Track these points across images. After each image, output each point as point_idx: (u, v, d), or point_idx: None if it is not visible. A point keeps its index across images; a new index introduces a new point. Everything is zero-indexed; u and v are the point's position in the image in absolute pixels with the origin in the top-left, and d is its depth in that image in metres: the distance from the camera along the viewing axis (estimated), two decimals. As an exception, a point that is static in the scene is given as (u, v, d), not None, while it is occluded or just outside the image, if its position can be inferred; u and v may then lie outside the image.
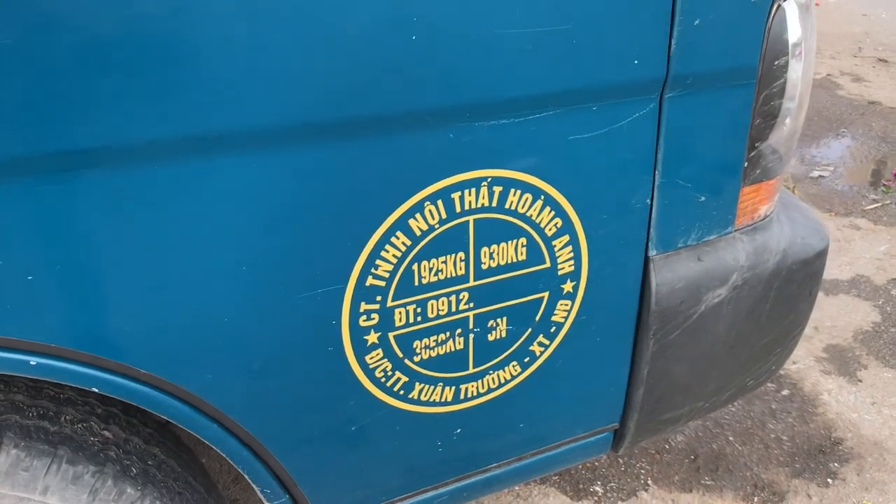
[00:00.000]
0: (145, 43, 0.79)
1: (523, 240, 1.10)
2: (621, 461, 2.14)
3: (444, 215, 1.03)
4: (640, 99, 1.08)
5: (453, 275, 1.08)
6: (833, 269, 3.05)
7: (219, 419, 1.03)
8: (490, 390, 1.22)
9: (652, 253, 1.21)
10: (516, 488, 2.03)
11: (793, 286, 1.38)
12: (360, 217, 0.98)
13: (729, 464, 2.12)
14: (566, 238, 1.13)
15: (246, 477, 1.11)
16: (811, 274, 1.41)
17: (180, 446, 1.22)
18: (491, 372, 1.20)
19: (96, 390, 0.93)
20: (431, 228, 1.03)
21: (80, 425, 1.05)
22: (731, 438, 2.22)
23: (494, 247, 1.09)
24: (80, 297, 0.88)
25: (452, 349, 1.14)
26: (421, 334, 1.10)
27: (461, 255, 1.07)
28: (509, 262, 1.11)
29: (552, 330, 1.21)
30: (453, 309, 1.11)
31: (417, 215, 1.01)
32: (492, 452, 1.31)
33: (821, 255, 1.41)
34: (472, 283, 1.10)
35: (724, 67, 1.12)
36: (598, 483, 2.06)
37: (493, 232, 1.08)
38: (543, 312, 1.18)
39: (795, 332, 1.49)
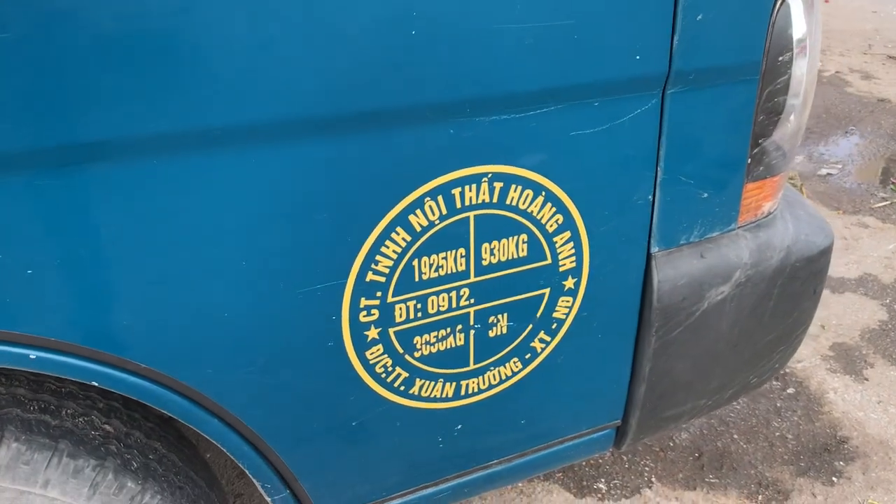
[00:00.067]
0: (145, 38, 0.79)
1: (524, 236, 1.10)
2: (625, 458, 2.13)
3: (444, 211, 1.03)
4: (643, 95, 1.08)
5: (454, 271, 1.08)
6: (840, 268, 3.04)
7: (219, 414, 1.03)
8: (491, 387, 1.22)
9: (654, 250, 1.21)
10: (520, 485, 2.03)
11: (797, 284, 1.37)
12: (360, 212, 0.98)
13: (733, 462, 2.12)
14: (567, 234, 1.13)
15: (246, 472, 1.11)
16: (815, 272, 1.40)
17: (182, 441, 1.22)
18: (492, 368, 1.20)
19: (96, 384, 0.94)
20: (432, 224, 1.03)
21: (81, 419, 1.05)
22: (735, 436, 2.21)
23: (495, 243, 1.09)
24: (80, 292, 0.88)
25: (453, 345, 1.14)
26: (421, 330, 1.10)
27: (462, 251, 1.07)
28: (510, 258, 1.11)
29: (553, 326, 1.20)
30: (454, 305, 1.11)
31: (418, 211, 1.01)
32: (493, 449, 1.31)
33: (825, 253, 1.40)
34: (472, 279, 1.10)
35: (728, 63, 1.11)
36: (602, 480, 2.06)
37: (494, 228, 1.07)
38: (544, 309, 1.18)
39: (799, 331, 1.48)
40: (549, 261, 1.14)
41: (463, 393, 1.20)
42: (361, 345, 1.07)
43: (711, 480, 2.05)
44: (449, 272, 1.08)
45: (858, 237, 3.28)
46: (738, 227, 1.29)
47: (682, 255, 1.23)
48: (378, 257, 1.02)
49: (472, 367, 1.18)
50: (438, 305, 1.09)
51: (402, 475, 1.25)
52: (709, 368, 1.37)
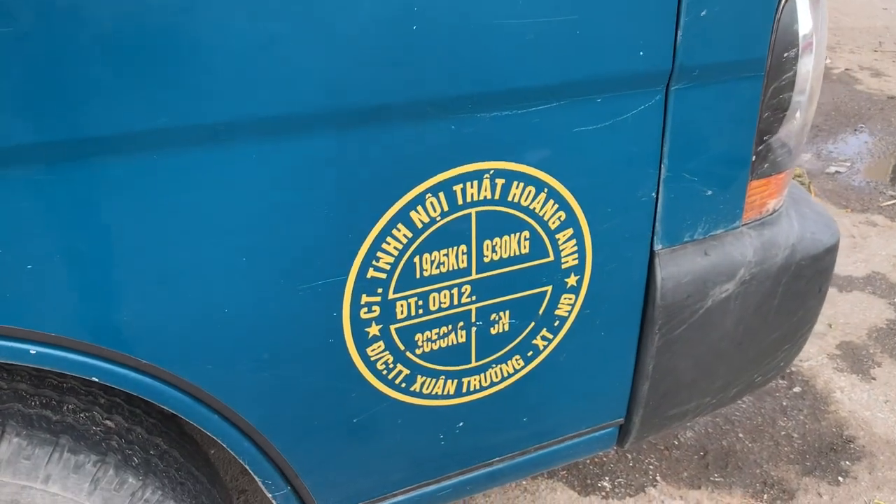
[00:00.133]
0: (146, 33, 0.79)
1: (526, 233, 1.09)
2: (629, 456, 2.13)
3: (445, 207, 1.02)
4: (646, 91, 1.07)
5: (455, 268, 1.08)
6: (848, 266, 3.02)
7: (220, 410, 1.03)
8: (493, 384, 1.21)
9: (657, 247, 1.20)
10: (523, 482, 2.03)
11: (802, 282, 1.36)
12: (361, 209, 0.98)
13: (738, 460, 2.11)
14: (570, 231, 1.12)
15: (247, 468, 1.11)
16: (821, 270, 1.39)
17: (184, 436, 1.22)
18: (494, 365, 1.19)
19: (96, 380, 0.94)
20: (433, 221, 1.03)
21: (82, 415, 1.05)
22: (741, 435, 2.20)
23: (497, 240, 1.08)
24: (80, 287, 0.88)
25: (454, 342, 1.14)
26: (423, 327, 1.10)
27: (463, 247, 1.07)
28: (512, 255, 1.10)
29: (556, 324, 1.20)
30: (455, 302, 1.10)
31: (419, 207, 1.01)
32: (495, 446, 1.31)
33: (831, 251, 1.39)
34: (474, 276, 1.09)
35: (732, 59, 1.10)
36: (606, 478, 2.05)
37: (496, 225, 1.07)
38: (547, 306, 1.17)
39: (805, 329, 1.47)
40: (551, 258, 1.13)
41: (464, 390, 1.20)
42: (362, 341, 1.07)
43: (716, 479, 2.05)
44: (450, 269, 1.07)
45: (867, 235, 3.26)
46: (743, 225, 1.28)
47: (685, 253, 1.22)
48: (379, 254, 1.01)
49: (473, 364, 1.17)
50: (440, 302, 1.09)
51: (404, 472, 1.25)
52: (713, 367, 1.36)
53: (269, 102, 0.86)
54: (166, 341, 0.95)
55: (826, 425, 2.24)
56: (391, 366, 1.11)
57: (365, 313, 1.05)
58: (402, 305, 1.07)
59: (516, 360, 1.20)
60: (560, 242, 1.12)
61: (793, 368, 2.46)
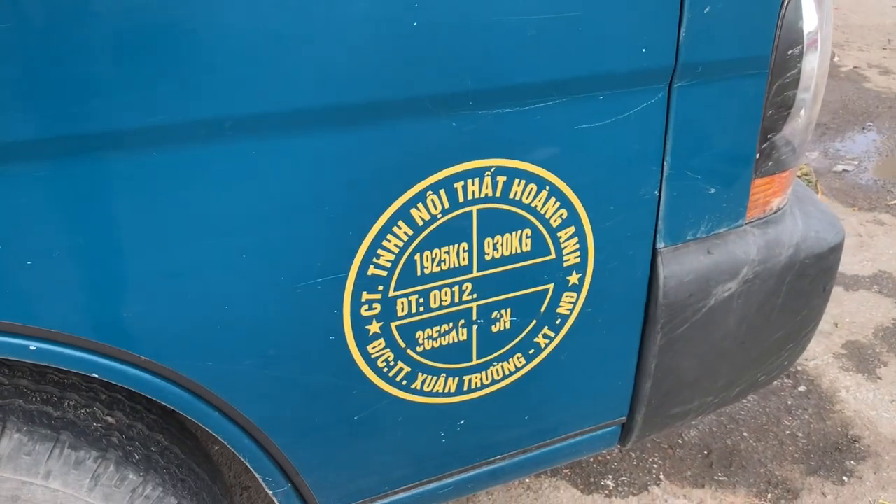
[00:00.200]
0: (147, 28, 0.79)
1: (528, 231, 1.09)
2: (633, 455, 2.12)
3: (446, 205, 1.02)
4: (649, 88, 1.06)
5: (456, 265, 1.07)
6: (854, 265, 3.00)
7: (220, 407, 1.03)
8: (494, 382, 1.21)
9: (660, 245, 1.20)
10: (527, 480, 2.03)
11: (806, 281, 1.35)
12: (362, 206, 0.98)
13: (743, 460, 2.10)
14: (572, 229, 1.12)
15: (247, 465, 1.11)
16: (825, 269, 1.38)
17: (185, 433, 1.22)
18: (495, 363, 1.19)
19: (96, 376, 0.94)
20: (434, 218, 1.02)
21: (83, 411, 1.05)
22: (745, 434, 2.19)
23: (498, 237, 1.08)
24: (80, 283, 0.88)
25: (455, 340, 1.14)
26: (423, 325, 1.10)
27: (464, 245, 1.06)
28: (513, 253, 1.10)
29: (557, 322, 1.19)
30: (456, 300, 1.10)
31: (420, 205, 1.00)
32: (497, 444, 1.30)
33: (835, 250, 1.38)
34: (475, 273, 1.09)
35: (736, 57, 1.10)
36: (610, 477, 2.05)
37: (497, 222, 1.07)
38: (548, 304, 1.17)
39: (809, 328, 1.47)
40: (552, 256, 1.13)
41: (465, 388, 1.19)
42: (363, 339, 1.07)
43: (720, 478, 2.04)
44: (451, 267, 1.07)
45: (874, 234, 3.25)
46: (746, 223, 1.27)
47: (688, 251, 1.22)
48: (380, 251, 1.01)
49: (474, 362, 1.17)
50: (441, 300, 1.09)
51: (405, 470, 1.25)
52: (715, 366, 1.35)
53: (270, 99, 0.86)
54: (167, 338, 0.95)
55: (831, 425, 2.23)
56: (392, 363, 1.11)
57: (365, 311, 1.05)
58: (402, 303, 1.06)
59: (517, 358, 1.20)
60: (562, 240, 1.12)
61: (798, 367, 2.45)
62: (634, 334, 1.27)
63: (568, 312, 1.19)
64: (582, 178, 1.08)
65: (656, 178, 1.13)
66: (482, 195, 1.03)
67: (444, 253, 1.05)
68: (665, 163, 1.13)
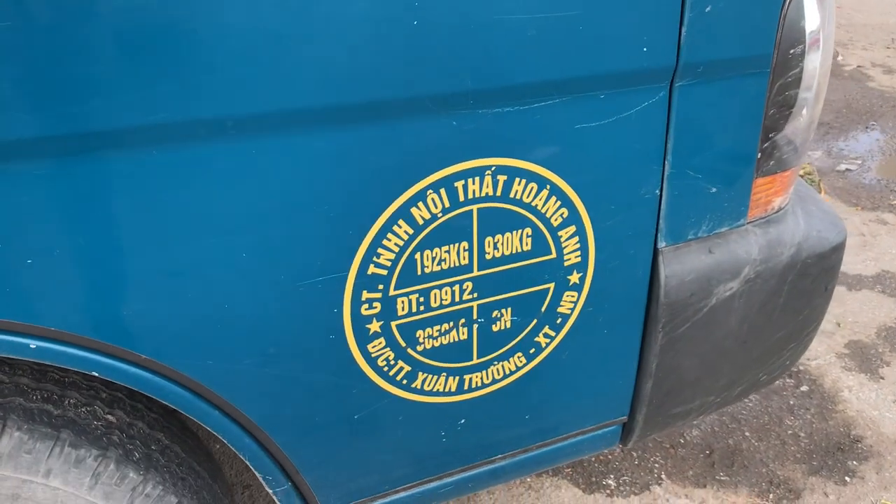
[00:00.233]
0: (147, 28, 0.79)
1: (528, 230, 1.09)
2: (635, 454, 2.12)
3: (447, 204, 1.02)
4: (650, 87, 1.06)
5: (457, 264, 1.07)
6: (858, 265, 3.00)
7: (220, 406, 1.03)
8: (495, 381, 1.21)
9: (661, 245, 1.19)
10: (528, 480, 2.02)
11: (807, 281, 1.35)
12: (362, 205, 0.98)
13: (745, 459, 2.10)
14: (572, 229, 1.12)
15: (248, 464, 1.11)
16: (827, 269, 1.38)
17: (185, 431, 1.23)
18: (495, 363, 1.19)
19: (96, 374, 0.94)
20: (434, 217, 1.02)
21: (84, 409, 1.05)
22: (747, 434, 2.19)
23: (499, 237, 1.08)
24: (80, 282, 0.88)
25: (456, 339, 1.13)
26: (424, 324, 1.10)
27: (465, 244, 1.06)
28: (514, 252, 1.10)
29: (558, 321, 1.19)
30: (457, 299, 1.10)
31: (420, 204, 1.00)
32: (497, 443, 1.30)
33: (837, 250, 1.37)
34: (475, 272, 1.09)
35: (737, 56, 1.09)
36: (611, 476, 2.04)
37: (498, 221, 1.06)
38: (549, 304, 1.17)
39: (810, 328, 1.46)
40: (553, 255, 1.13)
41: (466, 387, 1.19)
42: (363, 338, 1.07)
43: (722, 478, 2.04)
44: (452, 266, 1.07)
45: (877, 234, 3.24)
46: (748, 223, 1.27)
47: (689, 251, 1.22)
48: (380, 250, 1.01)
49: (475, 361, 1.17)
50: (441, 299, 1.09)
51: (406, 469, 1.25)
52: (717, 365, 1.35)
53: (270, 98, 0.86)
54: (167, 337, 0.95)
55: (833, 425, 2.22)
56: (392, 362, 1.11)
57: (366, 310, 1.05)
58: (403, 302, 1.06)
59: (518, 357, 1.20)
60: (562, 240, 1.12)
61: (800, 367, 2.44)
62: (635, 334, 1.27)
63: (569, 312, 1.19)
64: (583, 178, 1.08)
65: (657, 177, 1.13)
66: (483, 194, 1.03)
67: (445, 252, 1.05)
68: (666, 162, 1.12)
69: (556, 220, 1.10)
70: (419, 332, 1.10)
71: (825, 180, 3.71)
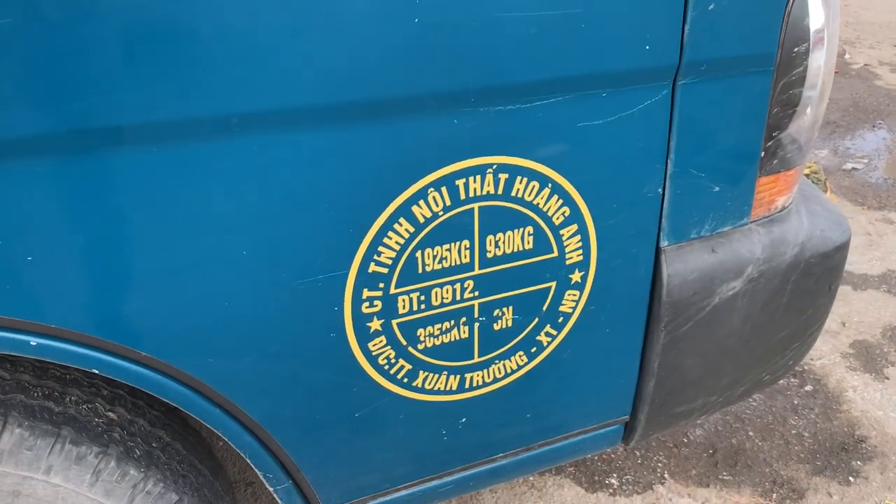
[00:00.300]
0: (148, 26, 0.79)
1: (530, 228, 1.09)
2: (638, 454, 2.11)
3: (448, 202, 1.02)
4: (652, 86, 1.06)
5: (458, 263, 1.07)
6: (863, 264, 2.98)
7: (221, 403, 1.03)
8: (496, 380, 1.21)
9: (664, 244, 1.19)
10: (531, 478, 2.02)
11: (811, 280, 1.34)
12: (363, 203, 0.98)
13: (748, 459, 2.09)
14: (574, 227, 1.11)
15: (248, 461, 1.11)
16: (831, 268, 1.37)
17: (187, 429, 1.23)
18: (497, 361, 1.19)
19: (97, 372, 0.94)
20: (435, 216, 1.02)
21: (85, 406, 1.06)
22: (751, 433, 2.18)
23: (500, 235, 1.07)
24: (81, 279, 0.89)
25: (457, 338, 1.13)
26: (425, 322, 1.09)
27: (466, 242, 1.06)
28: (515, 250, 1.10)
29: (560, 320, 1.19)
30: (458, 297, 1.10)
31: (421, 202, 1.00)
32: (498, 442, 1.30)
33: (841, 249, 1.37)
34: (477, 271, 1.09)
35: (741, 54, 1.09)
36: (614, 475, 2.04)
37: (499, 220, 1.06)
38: (551, 302, 1.16)
39: (814, 328, 1.46)
40: (555, 254, 1.12)
41: (467, 386, 1.19)
42: (364, 336, 1.06)
43: (725, 478, 2.03)
44: (453, 264, 1.07)
45: (883, 233, 3.22)
46: (751, 222, 1.26)
47: (692, 250, 1.21)
48: (381, 248, 1.01)
49: (476, 360, 1.17)
50: (442, 297, 1.09)
51: (406, 467, 1.25)
52: (720, 365, 1.35)
53: (272, 96, 0.86)
54: (168, 334, 0.95)
55: (838, 424, 2.21)
56: (393, 361, 1.11)
57: (366, 308, 1.04)
58: (403, 300, 1.06)
59: (520, 356, 1.20)
60: (564, 238, 1.11)
61: (805, 367, 2.44)
62: (638, 333, 1.27)
63: (570, 310, 1.19)
64: (585, 176, 1.08)
65: (660, 175, 1.13)
66: (484, 192, 1.03)
67: (446, 250, 1.05)
68: (669, 160, 1.12)
69: (557, 218, 1.09)
70: (420, 331, 1.10)
71: (831, 179, 3.70)
